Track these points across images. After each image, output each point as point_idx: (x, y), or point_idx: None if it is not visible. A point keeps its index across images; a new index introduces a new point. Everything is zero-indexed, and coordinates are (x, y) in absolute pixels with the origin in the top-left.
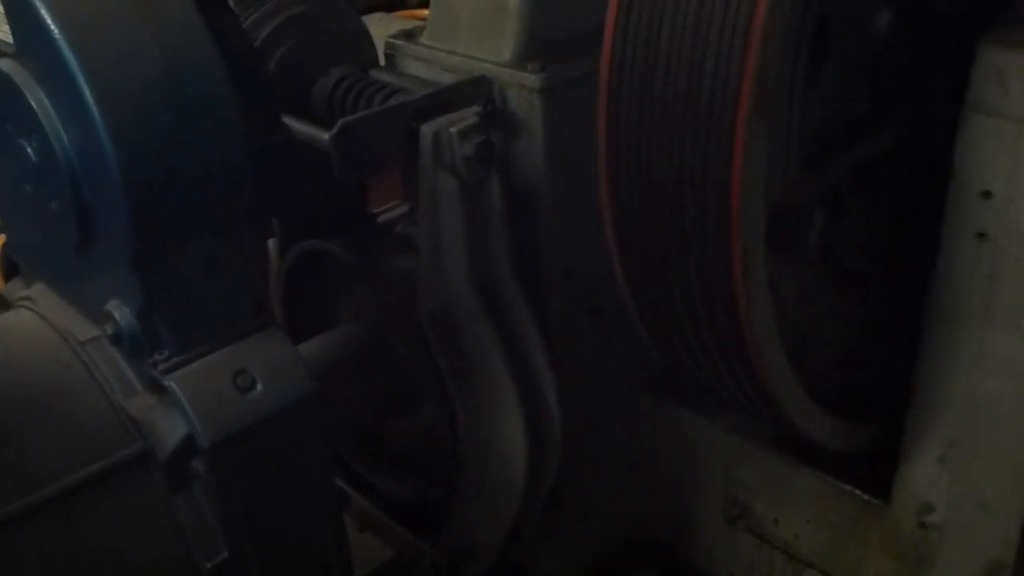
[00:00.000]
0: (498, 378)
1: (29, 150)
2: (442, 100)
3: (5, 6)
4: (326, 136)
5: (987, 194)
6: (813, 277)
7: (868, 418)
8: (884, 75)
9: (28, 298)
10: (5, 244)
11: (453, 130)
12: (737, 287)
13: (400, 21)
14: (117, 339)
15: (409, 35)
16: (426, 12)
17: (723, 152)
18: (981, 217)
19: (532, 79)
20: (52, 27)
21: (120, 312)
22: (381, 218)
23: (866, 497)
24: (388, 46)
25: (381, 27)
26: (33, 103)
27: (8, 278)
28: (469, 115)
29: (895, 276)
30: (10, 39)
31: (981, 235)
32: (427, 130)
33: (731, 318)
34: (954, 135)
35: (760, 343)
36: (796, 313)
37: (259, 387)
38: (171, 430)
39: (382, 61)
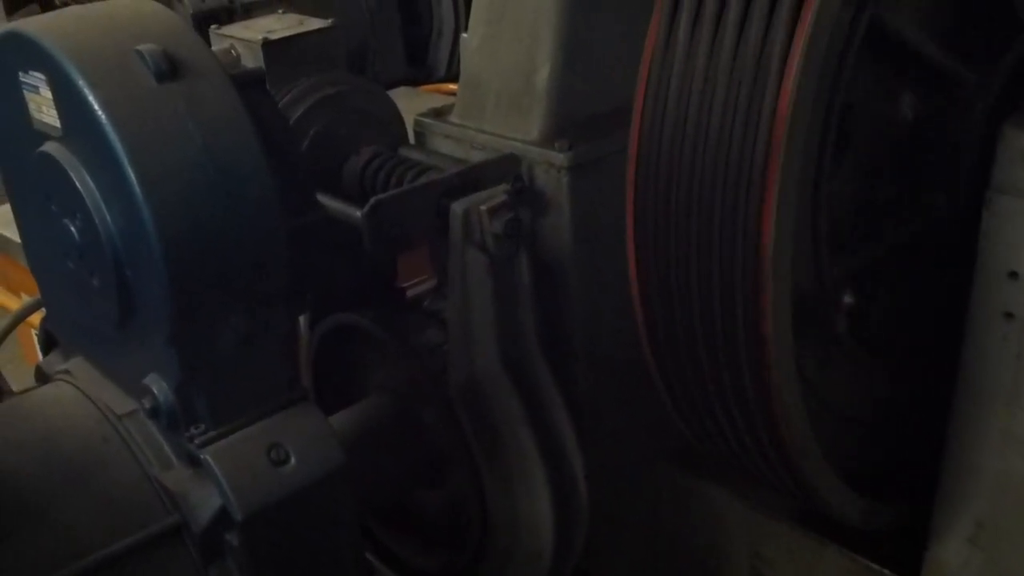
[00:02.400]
0: (526, 451)
1: (73, 229)
2: (471, 178)
3: (54, 92)
4: (358, 213)
5: (1013, 275)
6: (841, 356)
7: (896, 497)
8: (910, 161)
9: (67, 371)
10: (45, 318)
11: (483, 208)
12: (766, 367)
13: (425, 96)
14: (155, 413)
15: (438, 113)
16: (451, 86)
17: (751, 236)
18: (1008, 297)
19: (559, 157)
20: (98, 111)
21: (158, 386)
22: (409, 293)
23: None
24: (417, 124)
25: (406, 101)
26: (78, 184)
27: (47, 352)
28: (498, 193)
29: (923, 355)
30: (57, 123)
31: (1008, 315)
32: (457, 208)
33: (760, 397)
34: (979, 217)
35: (789, 422)
36: (824, 391)
37: (292, 461)
38: (206, 503)
39: (411, 136)
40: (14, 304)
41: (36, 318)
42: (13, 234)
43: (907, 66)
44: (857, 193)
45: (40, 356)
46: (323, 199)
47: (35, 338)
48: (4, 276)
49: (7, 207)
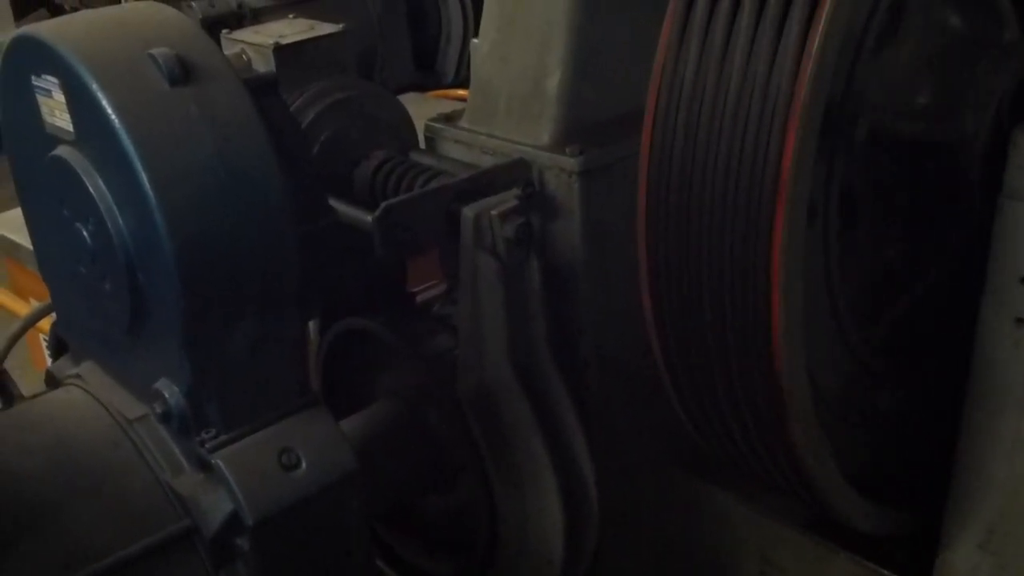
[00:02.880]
0: (536, 456)
1: (85, 233)
2: (482, 183)
3: (67, 96)
4: (369, 218)
5: None
6: (854, 364)
7: (907, 503)
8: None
9: (77, 376)
10: (55, 323)
11: (494, 213)
12: (778, 372)
13: (433, 101)
14: (166, 417)
15: (448, 118)
16: (459, 92)
17: (763, 240)
18: (1019, 303)
19: (570, 162)
20: (111, 115)
21: (169, 391)
22: (419, 298)
23: None
24: (428, 129)
25: (414, 106)
26: (90, 188)
27: (56, 356)
28: (509, 198)
29: (935, 360)
30: (70, 127)
31: (1020, 320)
32: (468, 212)
33: (771, 402)
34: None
35: (800, 427)
36: (836, 397)
37: (303, 465)
38: (217, 507)
39: (421, 142)
40: (23, 309)
41: (45, 323)
42: (21, 239)
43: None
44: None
45: (48, 361)
46: (334, 203)
47: (43, 343)
48: (13, 281)
49: (15, 212)
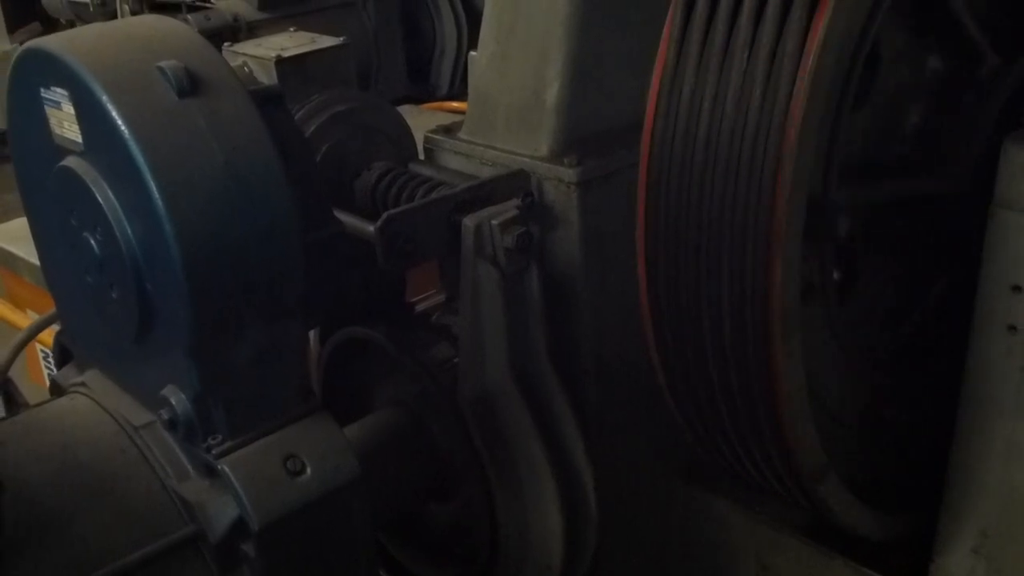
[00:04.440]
0: (536, 464)
1: (92, 242)
2: (482, 193)
3: (76, 108)
4: (371, 228)
5: (1017, 288)
6: (850, 368)
7: (906, 508)
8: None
9: (82, 384)
10: (59, 332)
11: (494, 222)
12: (777, 380)
13: (427, 113)
14: (172, 424)
15: (447, 130)
16: (453, 104)
17: (761, 251)
18: (1012, 310)
19: (568, 173)
20: (121, 126)
21: (176, 397)
22: (418, 308)
23: None
24: (427, 141)
25: (409, 119)
26: (99, 198)
27: (61, 365)
28: (509, 208)
29: (930, 366)
30: (78, 138)
31: (1012, 327)
32: (469, 222)
33: (770, 410)
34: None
35: (798, 434)
36: (832, 402)
37: (309, 471)
38: (222, 513)
39: (419, 154)
40: (21, 320)
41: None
42: (19, 250)
43: (943, 30)
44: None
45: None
46: (337, 214)
47: (39, 356)
48: (10, 293)
49: (11, 224)
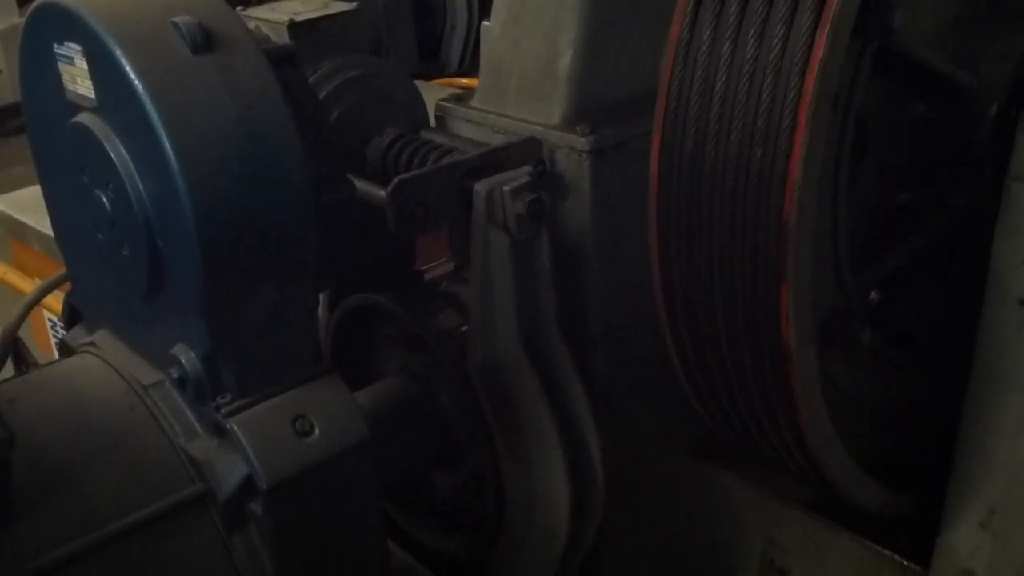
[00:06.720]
0: (543, 432)
1: (104, 199)
2: (494, 160)
3: (90, 63)
4: (382, 192)
5: None
6: (862, 351)
7: (913, 484)
8: (927, 165)
9: (92, 343)
10: (69, 292)
11: (506, 188)
12: (787, 355)
13: (437, 89)
14: (182, 383)
15: (459, 99)
16: (463, 80)
17: (775, 220)
18: (1023, 284)
19: (581, 141)
20: (135, 81)
21: (186, 356)
22: (427, 275)
23: (906, 563)
24: (439, 108)
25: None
26: (112, 154)
27: (70, 326)
28: (521, 174)
29: (939, 343)
30: (91, 94)
31: (1023, 302)
32: (481, 188)
33: (780, 384)
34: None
35: (806, 405)
36: (843, 381)
37: (317, 432)
38: (231, 472)
39: (432, 123)
40: (30, 288)
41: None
42: (28, 219)
43: (918, 80)
44: (879, 199)
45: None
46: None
47: (45, 320)
48: (18, 261)
49: (19, 193)
